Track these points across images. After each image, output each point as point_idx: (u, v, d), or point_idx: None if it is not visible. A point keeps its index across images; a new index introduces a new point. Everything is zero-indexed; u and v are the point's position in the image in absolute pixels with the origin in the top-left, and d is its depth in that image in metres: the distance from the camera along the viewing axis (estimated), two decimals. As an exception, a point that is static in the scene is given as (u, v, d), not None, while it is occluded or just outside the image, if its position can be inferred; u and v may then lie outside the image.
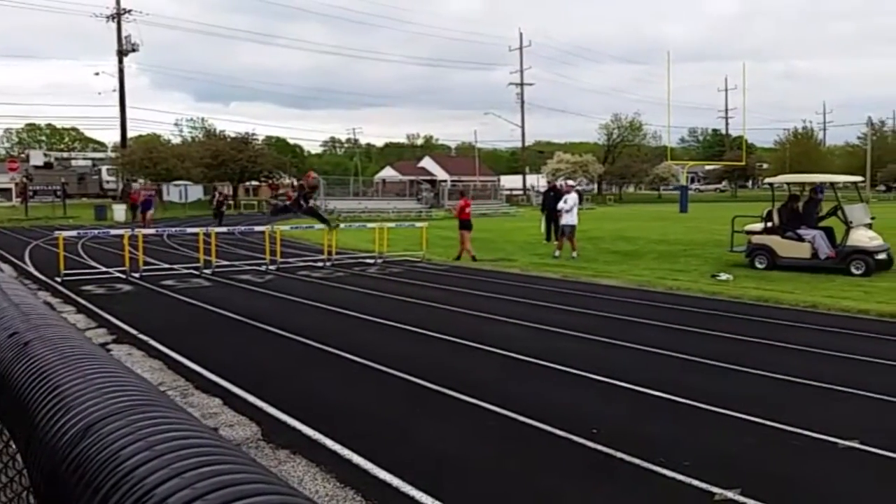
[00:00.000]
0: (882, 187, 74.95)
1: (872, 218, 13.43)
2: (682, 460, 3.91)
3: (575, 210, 16.01)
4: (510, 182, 77.42)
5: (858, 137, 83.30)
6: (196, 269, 13.28)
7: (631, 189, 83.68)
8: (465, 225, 16.17)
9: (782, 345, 6.98)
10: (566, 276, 12.81)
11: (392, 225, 18.46)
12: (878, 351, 6.65)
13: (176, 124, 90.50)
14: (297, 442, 4.29)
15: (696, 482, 3.64)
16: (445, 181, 62.61)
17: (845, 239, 12.53)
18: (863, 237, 12.50)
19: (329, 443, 4.24)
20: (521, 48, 70.54)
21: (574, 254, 15.78)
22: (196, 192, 46.24)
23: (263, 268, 13.84)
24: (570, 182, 18.75)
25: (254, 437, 4.40)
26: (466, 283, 11.96)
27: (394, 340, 7.41)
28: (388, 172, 80.00)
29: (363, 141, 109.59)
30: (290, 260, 14.94)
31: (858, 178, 16.71)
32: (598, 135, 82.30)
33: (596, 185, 77.14)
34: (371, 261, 15.33)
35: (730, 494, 3.49)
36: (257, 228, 18.19)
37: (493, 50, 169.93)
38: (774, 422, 4.58)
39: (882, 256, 12.49)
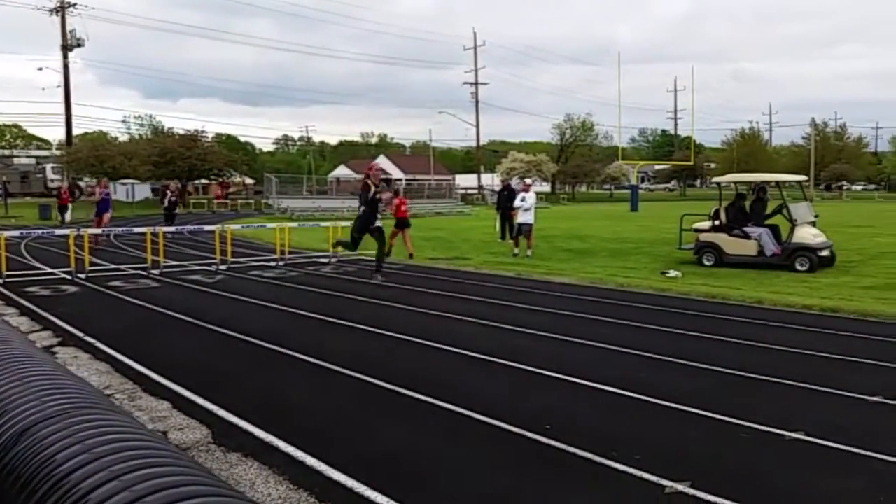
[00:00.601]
0: (822, 186, 77.49)
1: (816, 216, 13.88)
2: (633, 454, 3.97)
3: (533, 209, 16.18)
4: (465, 181, 77.68)
5: (803, 138, 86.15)
6: (144, 269, 12.97)
7: (584, 188, 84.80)
8: (402, 223, 16.35)
9: (730, 340, 7.15)
10: (520, 274, 12.90)
11: (346, 224, 18.27)
12: (821, 345, 6.87)
13: (123, 121, 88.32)
14: (248, 444, 4.21)
15: (647, 475, 3.70)
16: (401, 180, 62.45)
17: (790, 236, 12.92)
18: (807, 235, 12.91)
19: (282, 445, 4.18)
20: (475, 48, 70.81)
21: (529, 252, 15.94)
22: (143, 190, 45.15)
23: (213, 268, 13.58)
24: (528, 181, 18.93)
25: (204, 441, 4.31)
26: (422, 282, 11.95)
27: (347, 340, 7.35)
28: (342, 171, 79.54)
29: (316, 139, 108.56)
30: (242, 260, 14.71)
31: (803, 178, 17.24)
32: (551, 134, 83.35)
33: (550, 185, 77.95)
34: (325, 260, 15.19)
35: (680, 487, 3.55)
36: (207, 228, 17.84)
37: (447, 49, 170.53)
38: (723, 415, 4.69)
39: (825, 253, 12.92)
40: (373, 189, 11.60)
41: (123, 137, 70.28)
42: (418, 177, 73.96)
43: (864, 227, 23.75)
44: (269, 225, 17.23)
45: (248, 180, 73.51)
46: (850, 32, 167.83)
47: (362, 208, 11.75)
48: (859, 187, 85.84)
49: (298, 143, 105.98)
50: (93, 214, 19.02)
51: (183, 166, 51.02)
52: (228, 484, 3.52)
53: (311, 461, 3.93)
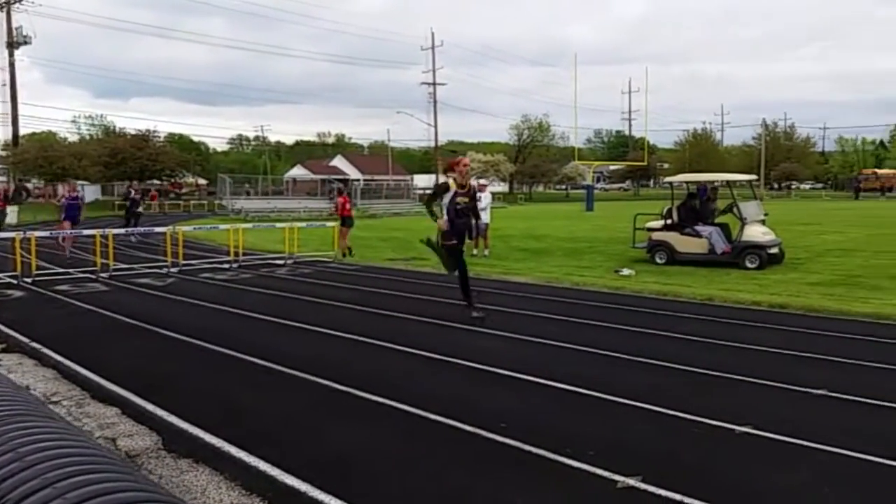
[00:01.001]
0: (775, 185, 79.61)
1: (765, 214, 14.25)
2: (587, 451, 4.01)
3: (488, 209, 16.29)
4: (423, 181, 77.68)
5: (753, 138, 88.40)
6: (92, 272, 12.63)
7: (541, 188, 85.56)
8: (346, 222, 16.54)
9: (681, 336, 7.29)
10: (478, 274, 12.92)
11: (303, 225, 18.13)
12: (770, 340, 7.05)
13: (73, 121, 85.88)
14: (199, 450, 4.13)
15: (600, 471, 3.74)
16: (358, 180, 62.19)
17: (740, 234, 13.24)
18: (756, 233, 13.25)
19: (233, 450, 4.11)
20: (432, 47, 70.86)
21: (486, 252, 16.03)
22: (94, 192, 44.01)
23: (165, 271, 13.30)
24: (483, 181, 19.10)
25: (154, 447, 4.21)
26: (379, 283, 11.90)
27: (301, 342, 7.28)
28: (298, 171, 78.73)
29: (272, 138, 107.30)
30: (194, 262, 14.45)
31: (752, 177, 17.68)
32: (508, 135, 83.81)
33: (507, 185, 78.46)
34: (280, 262, 15.02)
35: (631, 482, 3.61)
36: (157, 229, 17.47)
37: (405, 49, 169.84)
38: (674, 410, 4.77)
39: (774, 251, 13.29)
40: (453, 190, 8.17)
41: (73, 138, 68.47)
42: (376, 177, 73.67)
43: (811, 225, 24.48)
44: (223, 226, 16.95)
45: (201, 181, 72.28)
46: (799, 36, 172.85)
47: (443, 219, 8.22)
48: (807, 186, 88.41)
49: (253, 142, 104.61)
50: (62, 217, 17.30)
51: (134, 167, 49.95)
52: (167, 490, 3.46)
53: (263, 466, 3.87)
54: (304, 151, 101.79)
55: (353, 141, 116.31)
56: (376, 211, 45.33)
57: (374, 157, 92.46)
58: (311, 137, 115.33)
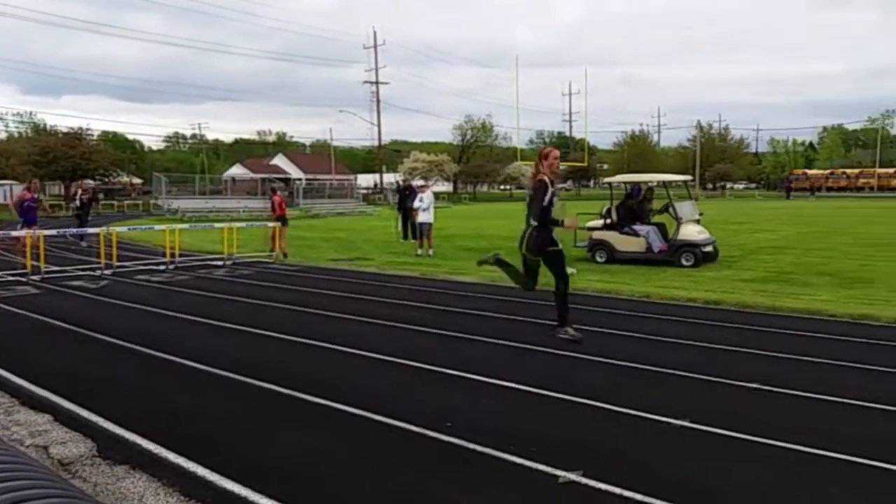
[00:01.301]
0: (709, 185, 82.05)
1: (700, 214, 14.68)
2: (530, 447, 4.06)
3: (431, 208, 16.34)
4: (367, 180, 77.25)
5: (689, 140, 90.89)
6: (23, 275, 12.12)
7: (485, 188, 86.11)
8: (283, 220, 16.51)
9: (620, 332, 7.45)
10: (423, 274, 12.95)
11: (242, 225, 17.79)
12: (703, 335, 7.26)
13: (1, 119, 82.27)
14: (136, 457, 4.01)
15: (542, 467, 3.79)
16: (300, 179, 61.38)
17: (676, 233, 13.61)
18: (691, 231, 13.64)
19: (171, 456, 4.00)
20: (375, 46, 70.48)
21: (430, 251, 16.05)
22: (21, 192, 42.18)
23: (98, 273, 12.86)
24: (420, 182, 19.17)
25: (88, 454, 4.07)
26: (321, 284, 11.78)
27: (239, 344, 7.13)
28: (237, 170, 77.30)
29: (210, 137, 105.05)
30: (128, 264, 14.00)
31: (688, 178, 18.18)
32: (452, 135, 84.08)
33: (452, 185, 78.71)
34: (219, 263, 14.70)
35: (572, 476, 3.67)
36: (90, 230, 16.87)
37: (347, 47, 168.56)
38: (614, 405, 4.87)
39: (708, 249, 13.71)
40: (551, 189, 7.04)
41: (1, 136, 65.60)
42: (319, 176, 72.88)
43: (744, 224, 25.35)
44: (158, 227, 16.47)
45: (136, 180, 70.26)
46: (733, 39, 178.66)
47: (570, 219, 7.46)
48: (741, 186, 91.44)
49: (191, 141, 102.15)
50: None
51: (66, 166, 48.15)
52: (88, 494, 3.35)
53: (201, 471, 3.78)
54: (244, 150, 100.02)
55: (294, 140, 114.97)
56: (319, 211, 44.83)
57: (317, 156, 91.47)
58: (252, 136, 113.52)
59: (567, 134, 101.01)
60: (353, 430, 4.50)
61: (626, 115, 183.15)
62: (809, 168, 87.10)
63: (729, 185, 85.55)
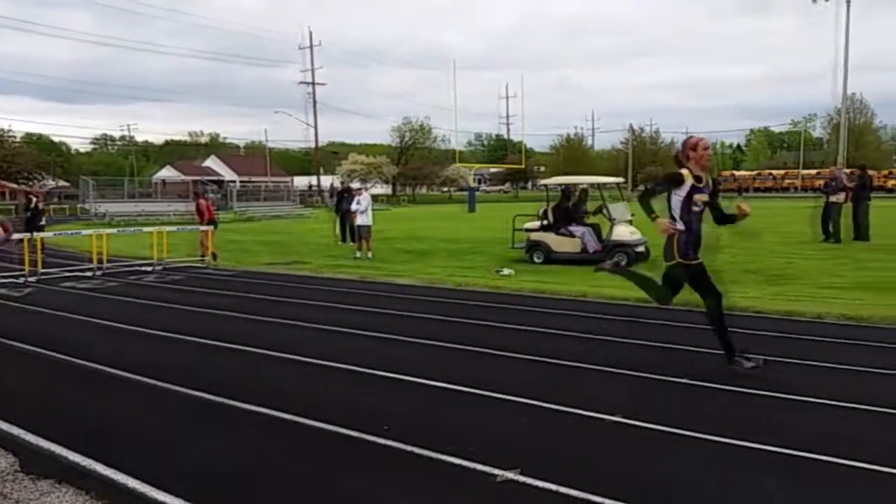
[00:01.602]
0: (641, 187, 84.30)
1: (632, 215, 15.05)
2: (467, 447, 4.08)
3: (369, 211, 16.28)
4: (304, 183, 76.32)
5: (621, 142, 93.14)
6: (-66, 283, 11.50)
7: (424, 190, 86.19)
8: (214, 223, 16.45)
9: (556, 331, 7.58)
10: (362, 277, 12.87)
11: (173, 229, 17.30)
12: (634, 332, 7.45)
13: (-90, 119, 77.79)
14: (62, 470, 3.85)
15: (480, 466, 3.82)
16: (234, 182, 60.17)
17: (609, 234, 13.92)
18: (624, 232, 13.97)
19: (100, 468, 3.86)
20: (311, 47, 69.70)
21: (369, 254, 15.98)
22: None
23: (22, 280, 12.31)
24: (355, 185, 19.10)
25: (10, 469, 3.89)
26: (256, 289, 11.57)
27: (170, 352, 6.94)
28: (168, 172, 75.32)
29: (139, 138, 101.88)
30: (53, 270, 13.45)
31: (620, 180, 18.62)
32: (390, 137, 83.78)
33: (390, 187, 78.48)
34: (149, 268, 14.26)
35: (510, 475, 3.70)
36: (15, 236, 16.12)
37: (282, 47, 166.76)
38: (549, 403, 4.95)
39: (641, 249, 14.05)
40: (689, 183, 5.79)
41: None
42: (254, 178, 71.64)
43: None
44: (86, 231, 15.88)
45: (62, 183, 67.58)
46: (665, 45, 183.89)
47: (668, 221, 5.80)
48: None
49: (119, 142, 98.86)
50: None
51: (-15, 169, 45.97)
52: None
53: (132, 483, 3.66)
54: (176, 152, 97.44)
55: (227, 141, 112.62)
56: (254, 214, 44.00)
57: (251, 157, 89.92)
58: (183, 137, 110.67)
59: (505, 136, 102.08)
60: (287, 437, 4.43)
61: (563, 119, 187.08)
62: (737, 169, 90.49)
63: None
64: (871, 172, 21.89)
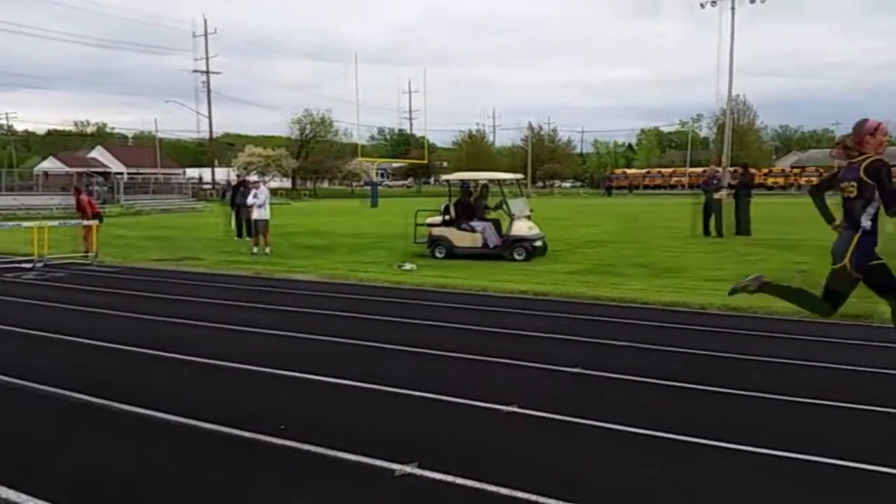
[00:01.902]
0: (540, 184, 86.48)
1: (531, 210, 15.41)
2: (365, 443, 4.04)
3: (266, 205, 15.87)
4: (197, 175, 73.61)
5: (521, 140, 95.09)
6: None
7: (326, 184, 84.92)
8: (98, 218, 15.90)
9: (456, 326, 7.64)
10: (259, 273, 12.54)
11: (55, 223, 16.24)
12: (533, 325, 7.62)
13: None
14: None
15: (378, 462, 3.78)
16: (121, 174, 57.24)
17: (509, 229, 14.21)
18: (523, 227, 14.30)
19: (-35, 481, 3.56)
20: (205, 34, 67.22)
21: (267, 249, 15.60)
22: None
23: None
24: (252, 178, 18.60)
25: None
26: (145, 286, 11.05)
27: (51, 353, 6.52)
28: (50, 164, 70.89)
29: (19, 127, 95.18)
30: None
31: (520, 176, 19.02)
32: (290, 129, 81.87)
33: (290, 180, 76.86)
34: (28, 265, 13.33)
35: (408, 469, 3.70)
36: None
37: (175, 34, 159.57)
38: (448, 396, 4.98)
39: (539, 244, 14.43)
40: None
41: None
42: (143, 170, 68.37)
43: (570, 220, 26.94)
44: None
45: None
46: (562, 45, 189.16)
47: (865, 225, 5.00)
48: (568, 185, 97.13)
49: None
50: None
51: None
52: None
53: (6, 492, 3.40)
54: (59, 142, 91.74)
55: (115, 131, 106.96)
56: (142, 207, 41.99)
57: (140, 148, 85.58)
58: (68, 126, 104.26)
59: (408, 132, 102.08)
60: (178, 441, 4.24)
61: (465, 115, 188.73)
62: (629, 168, 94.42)
63: (557, 183, 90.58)
64: (752, 171, 23.38)
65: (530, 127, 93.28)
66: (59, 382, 5.29)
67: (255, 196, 15.98)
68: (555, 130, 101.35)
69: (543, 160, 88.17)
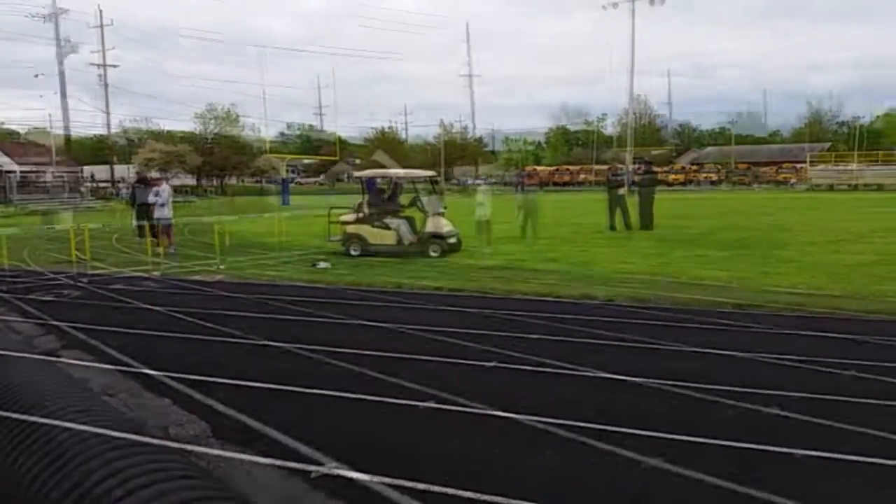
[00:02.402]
0: (455, 181, 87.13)
1: (445, 207, 15.50)
2: (278, 446, 3.98)
3: (169, 203, 15.31)
4: (97, 172, 70.19)
5: (434, 137, 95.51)
6: None
7: (233, 181, 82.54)
8: None
9: (372, 324, 7.59)
10: (164, 275, 12.06)
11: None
12: (446, 321, 7.65)
13: None
14: None
15: (291, 464, 3.73)
16: (13, 172, 53.79)
17: (424, 226, 14.26)
18: (437, 224, 14.38)
19: None
20: (101, 26, 64.11)
21: (171, 249, 15.04)
22: None
23: None
24: (154, 175, 17.91)
25: None
26: (35, 290, 10.43)
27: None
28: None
29: None
30: None
31: (433, 173, 19.09)
32: (194, 124, 79.05)
33: (195, 177, 74.31)
34: None
35: (324, 469, 3.65)
36: None
37: (71, 26, 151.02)
38: (362, 394, 4.95)
39: (453, 240, 14.56)
40: None
41: None
42: (38, 168, 64.42)
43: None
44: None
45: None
46: (475, 42, 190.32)
47: None
48: (481, 182, 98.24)
49: None
50: None
51: None
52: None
53: None
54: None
55: (5, 127, 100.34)
56: (37, 207, 39.65)
57: (34, 145, 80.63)
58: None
59: (319, 127, 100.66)
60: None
61: (377, 112, 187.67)
62: (539, 165, 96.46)
63: (470, 181, 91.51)
64: (655, 168, 24.32)
65: (442, 124, 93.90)
66: None
67: (157, 194, 15.38)
68: (466, 128, 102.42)
69: (455, 157, 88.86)
